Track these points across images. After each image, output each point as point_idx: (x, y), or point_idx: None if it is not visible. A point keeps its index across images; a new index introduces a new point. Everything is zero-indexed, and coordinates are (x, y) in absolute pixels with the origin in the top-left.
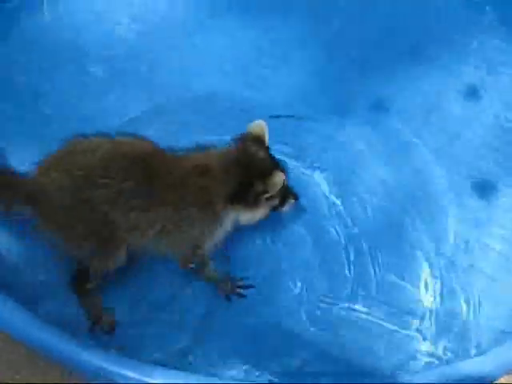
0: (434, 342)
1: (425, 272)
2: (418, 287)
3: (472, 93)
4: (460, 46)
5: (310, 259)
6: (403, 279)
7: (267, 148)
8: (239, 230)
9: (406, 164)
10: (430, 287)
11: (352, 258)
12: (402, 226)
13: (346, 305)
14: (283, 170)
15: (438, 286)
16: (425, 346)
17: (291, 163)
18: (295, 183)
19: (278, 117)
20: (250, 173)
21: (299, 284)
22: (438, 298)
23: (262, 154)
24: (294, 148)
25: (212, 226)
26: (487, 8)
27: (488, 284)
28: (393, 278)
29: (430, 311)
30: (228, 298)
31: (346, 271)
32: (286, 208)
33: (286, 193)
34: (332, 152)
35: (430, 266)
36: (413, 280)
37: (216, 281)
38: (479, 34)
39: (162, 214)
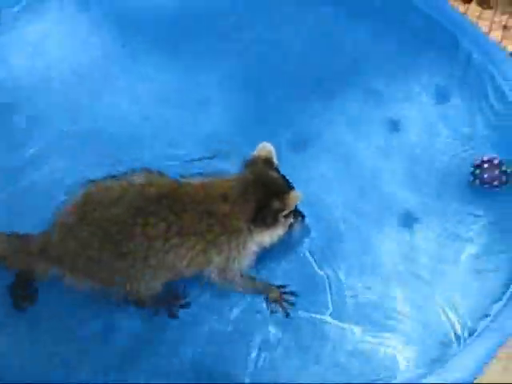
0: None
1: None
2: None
3: (390, 125)
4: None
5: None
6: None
7: (277, 169)
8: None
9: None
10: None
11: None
12: None
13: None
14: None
15: None
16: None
17: None
18: None
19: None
20: (266, 193)
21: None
22: None
23: (274, 174)
24: None
25: (238, 251)
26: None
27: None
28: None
29: None
30: (282, 307)
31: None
32: (296, 226)
33: (296, 212)
34: None
35: None
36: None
37: (264, 292)
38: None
39: (192, 245)
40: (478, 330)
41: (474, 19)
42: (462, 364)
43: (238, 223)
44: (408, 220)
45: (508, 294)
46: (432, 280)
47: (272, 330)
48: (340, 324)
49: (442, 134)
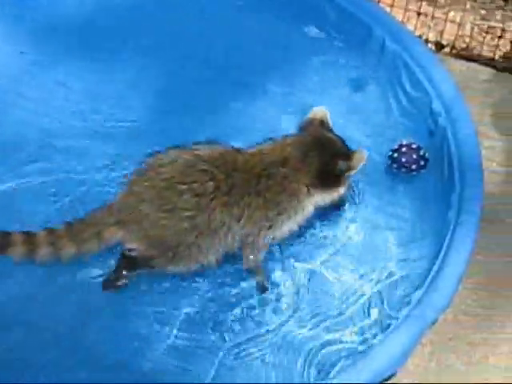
0: None
1: None
2: None
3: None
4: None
5: None
6: None
7: (332, 131)
8: None
9: None
10: None
11: None
12: None
13: None
14: None
15: None
16: None
17: None
18: None
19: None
20: (330, 154)
21: None
22: None
23: (333, 135)
24: None
25: (296, 212)
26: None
27: None
28: None
29: None
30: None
31: None
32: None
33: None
34: None
35: None
36: None
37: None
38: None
39: (248, 203)
40: (400, 318)
41: (388, 7)
42: (384, 353)
43: (298, 185)
44: None
45: (428, 281)
46: (357, 270)
47: None
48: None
49: (358, 123)
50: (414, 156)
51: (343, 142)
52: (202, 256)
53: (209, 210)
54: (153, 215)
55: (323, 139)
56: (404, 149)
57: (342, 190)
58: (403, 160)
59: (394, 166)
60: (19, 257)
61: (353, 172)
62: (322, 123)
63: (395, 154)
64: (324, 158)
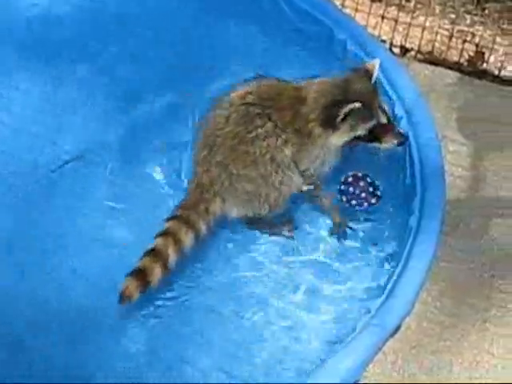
0: None
1: None
2: None
3: None
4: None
5: None
6: None
7: (373, 84)
8: None
9: None
10: None
11: None
12: None
13: None
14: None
15: None
16: None
17: None
18: None
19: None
20: (338, 96)
21: None
22: None
23: (358, 83)
24: None
25: (310, 149)
26: None
27: None
28: None
29: None
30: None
31: None
32: (384, 146)
33: (382, 132)
34: None
35: None
36: None
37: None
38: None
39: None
40: (359, 328)
41: (352, 11)
42: (342, 363)
43: (308, 122)
44: None
45: (388, 288)
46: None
47: None
48: None
49: None
50: (364, 186)
51: (363, 91)
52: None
53: (278, 149)
54: (242, 173)
55: (344, 83)
56: (350, 179)
57: (341, 137)
58: (355, 192)
59: (344, 198)
60: (160, 278)
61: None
62: (367, 72)
63: (343, 186)
64: (332, 99)
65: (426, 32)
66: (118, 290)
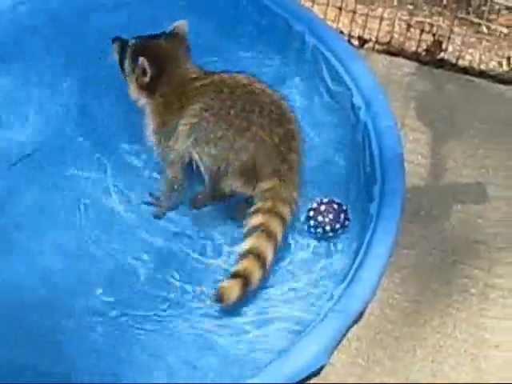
0: None
1: None
2: None
3: None
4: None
5: None
6: None
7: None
8: None
9: None
10: None
11: None
12: None
13: None
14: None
15: None
16: None
17: None
18: None
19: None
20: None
21: None
22: None
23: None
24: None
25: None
26: None
27: None
28: None
29: None
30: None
31: None
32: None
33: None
34: None
35: None
36: None
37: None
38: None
39: None
40: (322, 313)
41: (310, 3)
42: (307, 349)
43: None
44: None
45: (351, 274)
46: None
47: None
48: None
49: None
50: (336, 212)
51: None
52: None
53: None
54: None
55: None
56: (323, 207)
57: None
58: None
59: (311, 223)
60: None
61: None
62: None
63: (311, 213)
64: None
65: (384, 23)
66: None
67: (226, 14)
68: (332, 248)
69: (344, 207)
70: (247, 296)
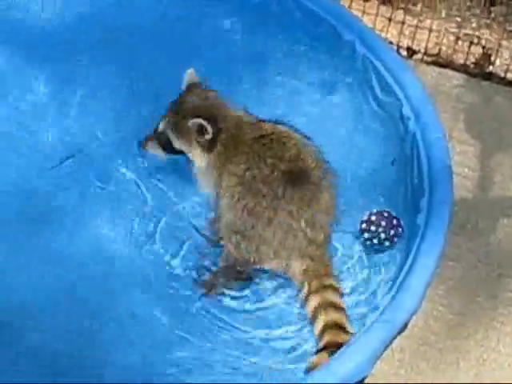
0: None
1: None
2: None
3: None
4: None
5: None
6: None
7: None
8: None
9: None
10: None
11: None
12: None
13: None
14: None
15: None
16: None
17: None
18: None
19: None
20: None
21: None
22: None
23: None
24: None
25: None
26: None
27: None
28: None
29: None
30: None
31: None
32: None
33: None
34: None
35: None
36: None
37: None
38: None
39: None
40: (368, 324)
41: (359, 13)
42: (351, 359)
43: None
44: None
45: (397, 285)
46: None
47: None
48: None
49: (329, 129)
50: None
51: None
52: None
53: None
54: None
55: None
56: (373, 217)
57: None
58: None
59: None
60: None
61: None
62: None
63: (364, 225)
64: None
65: (432, 35)
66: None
67: (276, 20)
68: (378, 258)
69: (394, 214)
70: (291, 303)
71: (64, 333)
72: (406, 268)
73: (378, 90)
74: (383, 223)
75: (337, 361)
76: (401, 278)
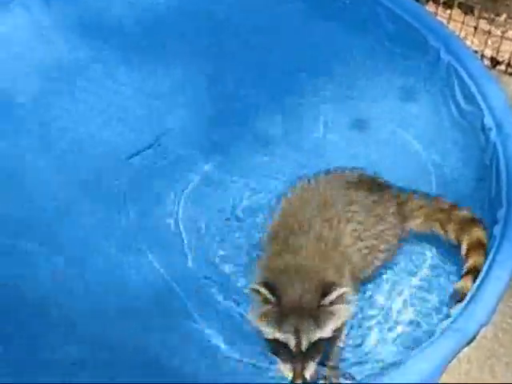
0: None
1: None
2: None
3: (357, 127)
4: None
5: None
6: None
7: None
8: None
9: None
10: None
11: None
12: None
13: None
14: None
15: None
16: None
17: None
18: None
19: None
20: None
21: None
22: None
23: None
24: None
25: None
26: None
27: None
28: None
29: None
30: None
31: None
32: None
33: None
34: None
35: None
36: None
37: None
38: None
39: None
40: (438, 332)
41: (444, 20)
42: (418, 367)
43: None
44: None
45: (469, 295)
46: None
47: None
48: None
49: (408, 134)
50: None
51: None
52: None
53: None
54: None
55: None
56: None
57: None
58: None
59: None
60: None
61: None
62: None
63: None
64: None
65: None
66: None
67: (365, 24)
68: (452, 267)
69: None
70: (367, 307)
71: None
72: (479, 278)
73: (460, 99)
74: None
75: (405, 367)
76: (474, 288)
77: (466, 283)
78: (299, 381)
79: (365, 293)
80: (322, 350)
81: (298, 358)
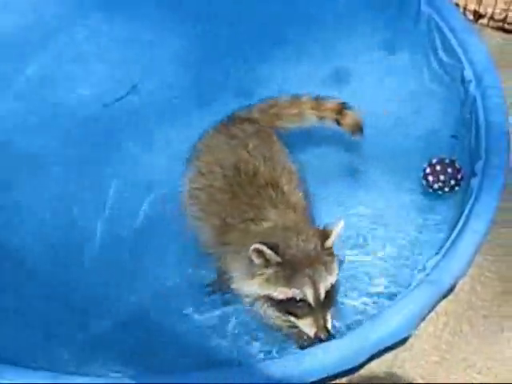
0: None
1: None
2: None
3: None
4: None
5: None
6: None
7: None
8: None
9: None
10: None
11: None
12: None
13: None
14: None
15: None
16: None
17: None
18: None
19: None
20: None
21: None
22: None
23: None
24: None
25: None
26: None
27: None
28: None
29: None
30: None
31: None
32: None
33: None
34: None
35: None
36: None
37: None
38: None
39: None
40: (413, 284)
41: None
42: (395, 317)
43: None
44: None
45: (446, 247)
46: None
47: None
48: None
49: (389, 88)
50: (450, 170)
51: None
52: None
53: None
54: None
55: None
56: (438, 167)
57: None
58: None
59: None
60: None
61: None
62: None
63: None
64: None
65: (499, 0)
66: None
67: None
68: (428, 220)
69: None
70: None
71: None
72: (455, 231)
73: (440, 52)
74: (449, 170)
75: (381, 317)
76: (450, 241)
77: None
78: (324, 333)
79: None
80: (335, 297)
81: (317, 310)
